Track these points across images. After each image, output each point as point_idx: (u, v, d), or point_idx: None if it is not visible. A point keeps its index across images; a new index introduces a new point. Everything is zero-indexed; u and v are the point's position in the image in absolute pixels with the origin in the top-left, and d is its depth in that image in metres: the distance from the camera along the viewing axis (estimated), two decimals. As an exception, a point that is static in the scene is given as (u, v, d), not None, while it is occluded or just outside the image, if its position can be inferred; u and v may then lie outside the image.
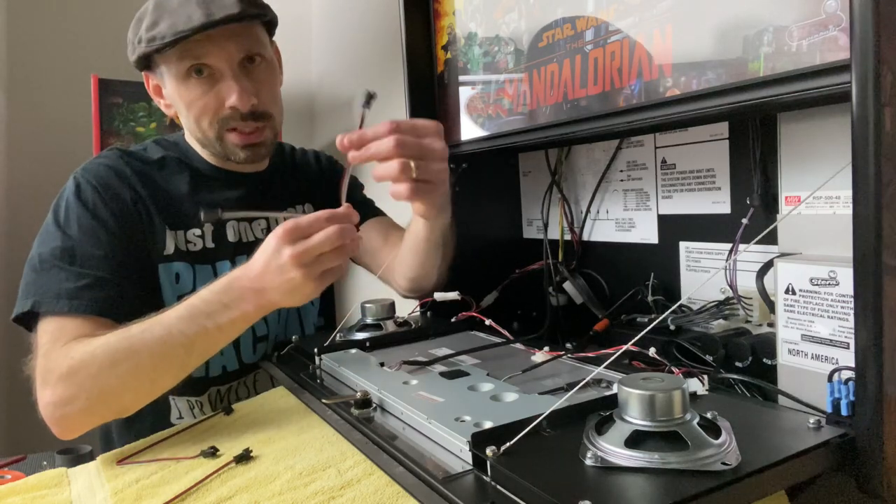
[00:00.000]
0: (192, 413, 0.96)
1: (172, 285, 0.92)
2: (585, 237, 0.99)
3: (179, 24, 0.84)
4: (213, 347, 0.77)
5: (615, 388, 0.51)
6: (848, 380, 0.51)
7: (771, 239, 0.68)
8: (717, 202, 0.79)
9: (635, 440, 0.47)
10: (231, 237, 0.98)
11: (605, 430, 0.50)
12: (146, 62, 0.92)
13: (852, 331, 0.50)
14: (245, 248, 0.98)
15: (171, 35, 0.84)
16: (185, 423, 0.80)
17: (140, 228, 0.90)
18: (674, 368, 0.66)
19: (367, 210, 1.12)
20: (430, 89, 1.06)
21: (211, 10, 0.85)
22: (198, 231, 0.95)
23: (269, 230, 1.01)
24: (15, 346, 1.47)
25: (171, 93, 0.93)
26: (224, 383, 0.98)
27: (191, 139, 1.00)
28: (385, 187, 0.75)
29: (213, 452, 0.67)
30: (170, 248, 0.92)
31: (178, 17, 0.85)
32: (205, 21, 0.84)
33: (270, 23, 0.96)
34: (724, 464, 0.44)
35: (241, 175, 1.01)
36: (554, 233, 1.02)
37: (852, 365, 0.50)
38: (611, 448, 0.47)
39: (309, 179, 1.12)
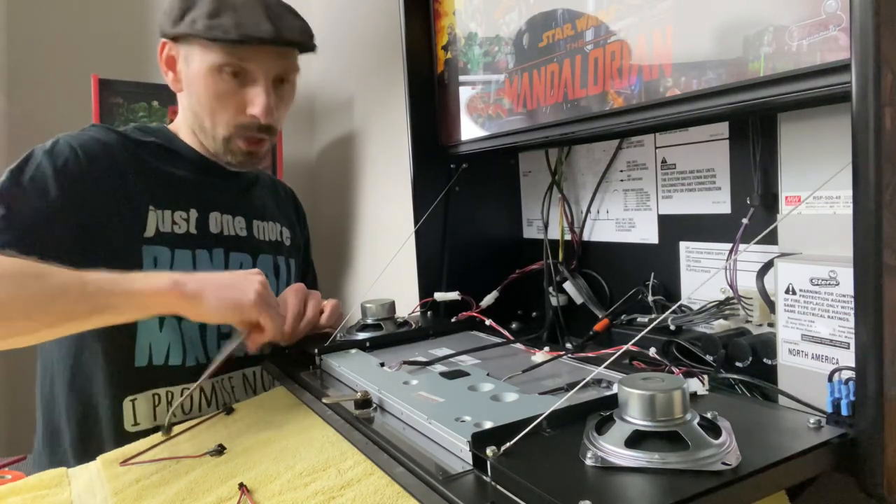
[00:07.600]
0: (167, 412, 0.89)
1: (151, 268, 0.90)
2: (585, 237, 0.99)
3: (247, 27, 0.87)
4: (106, 317, 0.73)
5: (615, 388, 0.51)
6: (848, 380, 0.51)
7: (771, 239, 0.68)
8: (718, 202, 0.79)
9: (635, 440, 0.47)
10: (213, 228, 0.98)
11: (605, 430, 0.50)
12: (176, 36, 0.92)
13: (852, 331, 0.50)
14: (224, 242, 0.98)
15: (237, 35, 0.87)
16: (188, 423, 0.79)
17: (114, 204, 0.88)
18: (674, 368, 0.66)
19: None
20: (430, 89, 1.06)
21: (280, 28, 0.89)
22: (183, 214, 0.94)
23: (248, 230, 1.02)
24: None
25: (193, 76, 0.92)
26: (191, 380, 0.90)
27: (179, 128, 1.00)
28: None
29: (220, 451, 0.67)
30: (150, 230, 0.90)
31: (243, 18, 0.87)
32: (274, 36, 0.88)
33: None
34: (724, 464, 0.44)
35: (228, 171, 1.01)
36: (554, 233, 1.02)
37: (852, 365, 0.50)
38: (611, 448, 0.47)
39: (278, 202, 1.15)
